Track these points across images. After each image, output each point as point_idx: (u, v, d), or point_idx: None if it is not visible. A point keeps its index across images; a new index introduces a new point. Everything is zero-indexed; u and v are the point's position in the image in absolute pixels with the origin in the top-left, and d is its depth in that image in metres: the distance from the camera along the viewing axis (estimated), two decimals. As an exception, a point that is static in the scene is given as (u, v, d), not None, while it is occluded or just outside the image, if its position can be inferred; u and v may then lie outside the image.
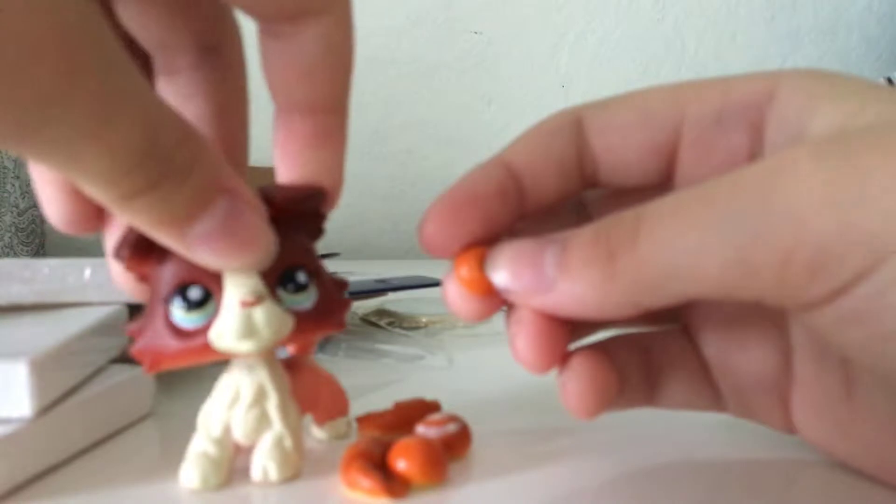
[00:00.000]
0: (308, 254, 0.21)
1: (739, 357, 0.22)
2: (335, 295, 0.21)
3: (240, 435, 0.21)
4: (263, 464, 0.21)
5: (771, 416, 0.22)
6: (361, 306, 0.46)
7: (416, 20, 0.86)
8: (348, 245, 0.82)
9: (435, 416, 0.23)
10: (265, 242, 0.19)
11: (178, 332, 0.19)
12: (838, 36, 0.94)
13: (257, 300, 0.19)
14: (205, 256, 0.18)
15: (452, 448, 0.22)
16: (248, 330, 0.19)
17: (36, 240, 0.70)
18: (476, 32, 0.87)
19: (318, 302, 0.20)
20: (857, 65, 0.94)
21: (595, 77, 0.89)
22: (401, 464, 0.20)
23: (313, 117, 0.20)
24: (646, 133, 0.21)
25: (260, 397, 0.21)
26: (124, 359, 0.27)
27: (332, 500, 0.20)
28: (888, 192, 0.15)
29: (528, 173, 0.21)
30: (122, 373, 0.26)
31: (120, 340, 0.28)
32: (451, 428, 0.22)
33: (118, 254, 0.19)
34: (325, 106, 0.20)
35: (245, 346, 0.19)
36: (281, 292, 0.20)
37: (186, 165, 0.16)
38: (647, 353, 0.23)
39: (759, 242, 0.16)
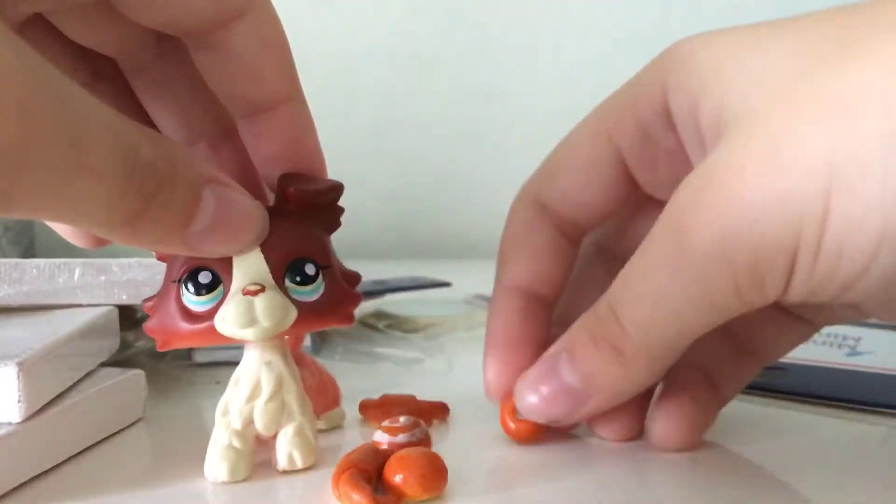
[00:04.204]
0: (319, 246, 0.21)
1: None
2: (345, 289, 0.21)
3: (261, 427, 0.21)
4: (288, 451, 0.21)
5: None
6: (359, 308, 0.45)
7: (416, 13, 0.85)
8: (346, 245, 0.81)
9: (389, 422, 0.22)
10: (258, 219, 0.19)
11: (188, 314, 0.20)
12: (839, 36, 0.93)
13: (259, 289, 0.20)
14: (209, 249, 0.18)
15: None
16: (249, 318, 0.19)
17: (25, 239, 0.69)
18: (477, 26, 0.86)
19: (326, 294, 0.21)
20: (858, 65, 0.94)
21: (598, 72, 0.89)
22: (398, 477, 0.20)
23: (275, 111, 0.21)
24: (598, 179, 0.23)
25: (279, 389, 0.21)
26: (115, 362, 0.27)
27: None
28: (771, 207, 0.17)
29: (539, 287, 0.24)
30: (113, 376, 0.25)
31: (111, 343, 0.27)
32: (402, 438, 0.22)
33: None
34: (281, 95, 0.21)
35: (246, 334, 0.20)
36: (288, 283, 0.20)
37: (170, 169, 0.16)
38: (706, 370, 0.24)
39: (705, 286, 0.18)
